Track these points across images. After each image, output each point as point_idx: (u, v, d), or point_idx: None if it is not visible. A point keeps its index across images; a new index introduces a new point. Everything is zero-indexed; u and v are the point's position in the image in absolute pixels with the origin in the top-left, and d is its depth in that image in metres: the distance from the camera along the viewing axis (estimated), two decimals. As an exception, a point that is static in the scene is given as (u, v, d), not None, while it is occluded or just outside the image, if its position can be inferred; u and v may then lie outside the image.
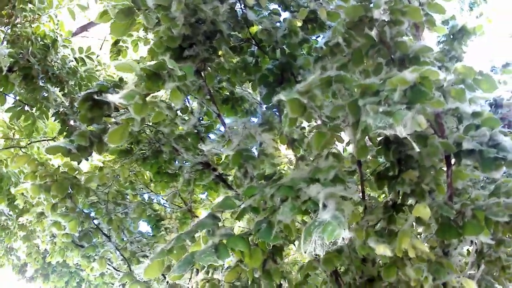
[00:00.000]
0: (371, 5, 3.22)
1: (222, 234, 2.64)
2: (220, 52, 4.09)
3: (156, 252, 2.75)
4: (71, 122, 5.32)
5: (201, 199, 6.57)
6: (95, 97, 4.25)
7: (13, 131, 7.25)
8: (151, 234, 6.37)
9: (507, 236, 3.89)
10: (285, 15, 4.37)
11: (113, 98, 3.05)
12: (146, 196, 6.65)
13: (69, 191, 5.04)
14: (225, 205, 2.87)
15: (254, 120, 5.22)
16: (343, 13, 3.55)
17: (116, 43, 6.46)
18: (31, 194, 4.96)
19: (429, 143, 3.19)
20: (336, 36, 3.45)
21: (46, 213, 5.29)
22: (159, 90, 3.18)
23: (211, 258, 2.44)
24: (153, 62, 3.31)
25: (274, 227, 2.61)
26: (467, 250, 4.27)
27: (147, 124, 4.63)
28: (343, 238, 2.13)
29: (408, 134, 2.31)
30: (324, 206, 2.39)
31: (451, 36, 4.79)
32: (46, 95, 5.63)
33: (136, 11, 3.35)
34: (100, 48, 8.17)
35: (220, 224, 2.85)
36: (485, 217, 3.15)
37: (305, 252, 2.27)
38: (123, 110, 4.08)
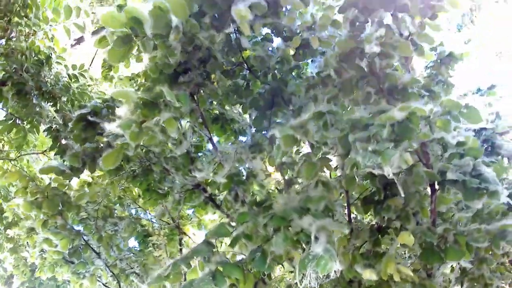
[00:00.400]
0: (362, 35, 3.36)
1: (218, 261, 2.76)
2: (213, 76, 4.19)
3: (153, 277, 2.85)
4: (63, 139, 5.37)
5: (188, 215, 6.66)
6: (89, 118, 4.36)
7: (2, 143, 7.29)
8: (138, 249, 6.43)
9: (489, 253, 4.06)
10: (277, 39, 4.48)
11: (111, 126, 3.15)
12: (133, 211, 6.72)
13: (60, 208, 5.10)
14: (220, 233, 2.98)
15: (243, 139, 5.33)
16: (334, 42, 3.71)
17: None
18: (22, 211, 5.02)
19: (415, 171, 3.33)
20: (328, 67, 3.58)
21: (36, 229, 5.34)
22: (155, 117, 3.27)
23: (209, 286, 2.56)
24: (148, 86, 3.43)
25: (268, 256, 2.73)
26: (451, 266, 4.40)
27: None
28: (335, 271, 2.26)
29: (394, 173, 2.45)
30: (316, 238, 2.52)
31: (439, 61, 4.95)
32: (38, 110, 5.69)
33: (134, 38, 3.43)
34: (91, 63, 8.23)
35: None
36: (466, 242, 3.30)
37: (300, 284, 2.40)
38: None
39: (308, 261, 2.34)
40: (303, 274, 2.44)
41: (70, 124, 4.66)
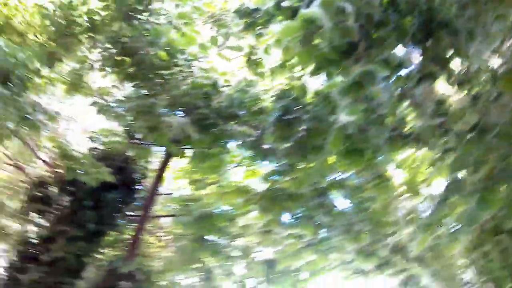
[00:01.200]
0: None
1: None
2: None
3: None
4: (262, 145, 6.12)
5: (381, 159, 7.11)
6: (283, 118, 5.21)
7: (193, 174, 8.22)
8: (352, 208, 7.10)
9: None
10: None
11: (341, 118, 3.95)
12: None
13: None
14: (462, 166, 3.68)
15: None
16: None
17: (249, 55, 7.09)
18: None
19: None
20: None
21: (267, 228, 6.35)
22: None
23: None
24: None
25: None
26: None
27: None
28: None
29: None
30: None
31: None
32: (225, 133, 6.50)
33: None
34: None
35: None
36: None
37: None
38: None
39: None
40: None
41: (265, 130, 5.56)
